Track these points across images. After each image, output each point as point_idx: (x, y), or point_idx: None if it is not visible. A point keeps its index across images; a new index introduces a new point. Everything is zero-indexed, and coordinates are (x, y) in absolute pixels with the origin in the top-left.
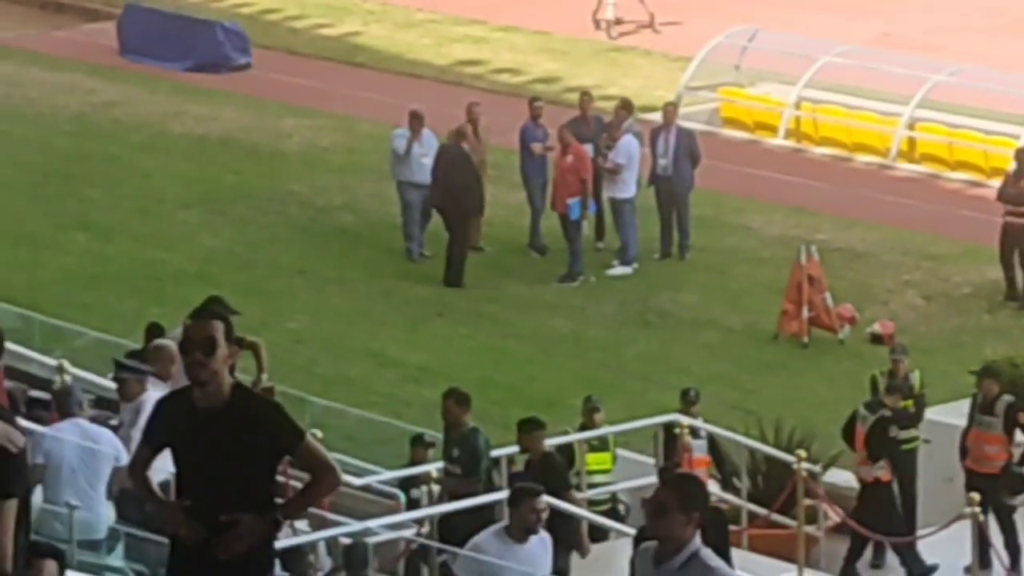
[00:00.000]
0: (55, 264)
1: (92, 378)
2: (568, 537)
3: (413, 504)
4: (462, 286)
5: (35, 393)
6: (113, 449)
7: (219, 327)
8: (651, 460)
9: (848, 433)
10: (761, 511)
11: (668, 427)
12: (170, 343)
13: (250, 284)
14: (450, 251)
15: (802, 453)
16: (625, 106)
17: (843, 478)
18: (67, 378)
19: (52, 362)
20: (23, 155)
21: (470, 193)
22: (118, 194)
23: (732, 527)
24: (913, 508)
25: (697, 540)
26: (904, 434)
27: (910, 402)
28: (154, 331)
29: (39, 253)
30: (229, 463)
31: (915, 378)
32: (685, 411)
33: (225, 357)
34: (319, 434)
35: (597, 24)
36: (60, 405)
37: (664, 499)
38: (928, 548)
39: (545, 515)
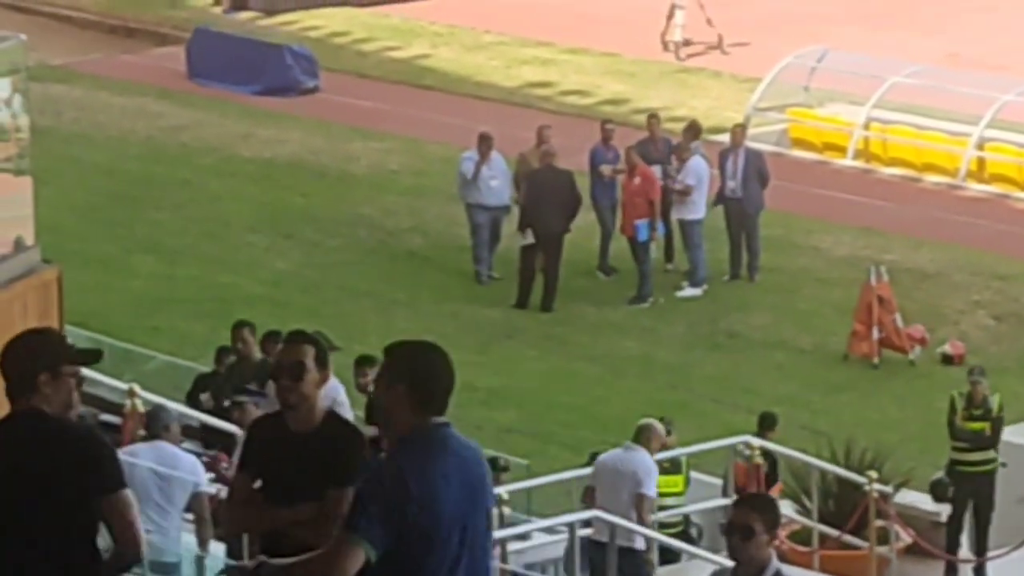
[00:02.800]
0: (124, 288)
1: (163, 402)
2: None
3: None
4: (553, 310)
5: (105, 417)
6: (192, 475)
7: (309, 351)
8: (718, 481)
9: None
10: (833, 532)
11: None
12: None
13: (318, 307)
14: (548, 274)
15: (873, 474)
16: (691, 128)
17: (914, 499)
18: (163, 401)
19: (122, 386)
20: (92, 179)
21: (567, 212)
22: (186, 217)
23: (804, 548)
24: (985, 530)
25: (775, 559)
26: (980, 456)
27: (987, 424)
28: (223, 354)
29: (108, 277)
30: (312, 487)
31: (994, 401)
32: (762, 434)
33: (316, 381)
34: None
35: (665, 45)
36: (147, 426)
37: (751, 521)
38: (1000, 569)
39: None
